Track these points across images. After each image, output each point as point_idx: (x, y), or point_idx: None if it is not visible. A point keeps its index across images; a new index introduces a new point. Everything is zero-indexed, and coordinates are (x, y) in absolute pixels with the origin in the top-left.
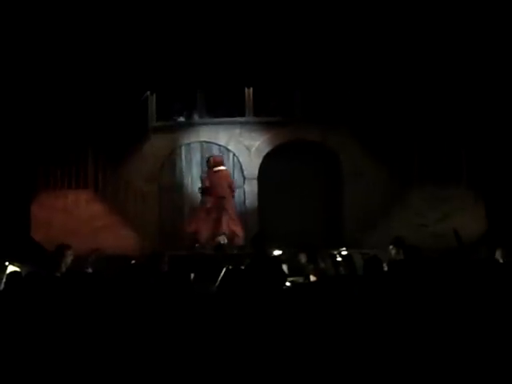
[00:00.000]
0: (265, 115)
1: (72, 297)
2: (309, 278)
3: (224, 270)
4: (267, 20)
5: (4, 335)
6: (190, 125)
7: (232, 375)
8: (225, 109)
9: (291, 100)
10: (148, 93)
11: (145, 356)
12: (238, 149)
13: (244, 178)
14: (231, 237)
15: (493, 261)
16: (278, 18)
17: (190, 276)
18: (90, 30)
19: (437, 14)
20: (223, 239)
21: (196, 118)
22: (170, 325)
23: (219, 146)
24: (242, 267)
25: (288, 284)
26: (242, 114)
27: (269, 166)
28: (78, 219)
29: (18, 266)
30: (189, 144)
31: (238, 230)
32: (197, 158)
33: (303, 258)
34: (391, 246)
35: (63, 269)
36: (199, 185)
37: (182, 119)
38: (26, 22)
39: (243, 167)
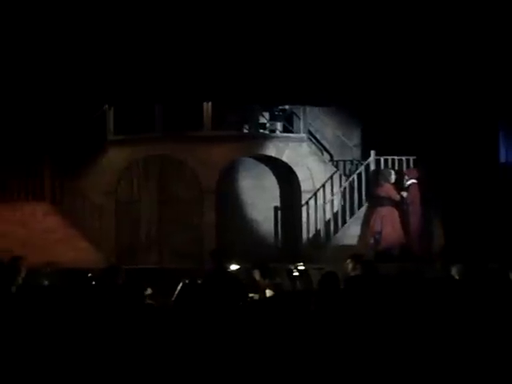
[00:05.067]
0: (223, 129)
1: (29, 311)
2: (265, 294)
3: (181, 284)
4: (221, 34)
5: None
6: (147, 138)
7: None
8: (183, 123)
9: (247, 114)
10: (106, 106)
11: (99, 369)
12: (195, 162)
13: (202, 192)
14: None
15: (449, 278)
16: (230, 33)
17: (144, 289)
18: (49, 40)
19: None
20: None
21: (155, 131)
22: (124, 338)
23: (177, 159)
24: (199, 281)
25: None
26: (200, 128)
27: (227, 181)
28: (35, 231)
29: None
30: (146, 158)
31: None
32: (154, 171)
33: (257, 275)
34: (348, 261)
35: (19, 281)
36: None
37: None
38: None
39: (201, 181)
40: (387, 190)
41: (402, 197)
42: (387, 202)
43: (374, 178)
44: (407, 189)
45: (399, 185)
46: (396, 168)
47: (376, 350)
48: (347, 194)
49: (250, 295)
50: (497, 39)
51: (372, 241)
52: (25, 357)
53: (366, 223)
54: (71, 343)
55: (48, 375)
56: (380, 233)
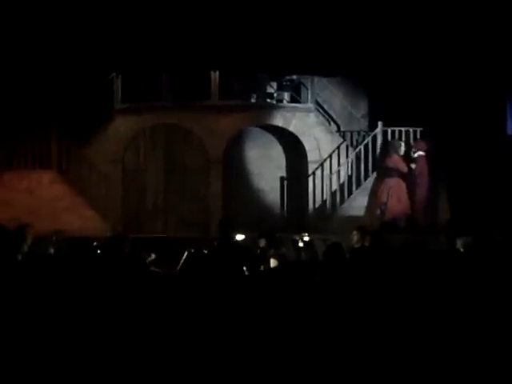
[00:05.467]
0: (231, 99)
1: (35, 280)
2: (269, 263)
3: (186, 253)
4: (229, 2)
5: None
6: (154, 107)
7: (189, 356)
8: (190, 92)
9: (255, 84)
10: (113, 74)
11: (105, 338)
12: (202, 131)
13: (209, 162)
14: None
15: (454, 251)
16: (237, 1)
17: (148, 256)
18: (57, 7)
19: None
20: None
21: (162, 100)
22: (129, 306)
23: (185, 128)
24: (205, 251)
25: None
26: (208, 98)
27: (233, 150)
28: (41, 199)
29: None
30: (153, 126)
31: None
32: (161, 140)
33: (263, 243)
34: (354, 232)
35: (25, 249)
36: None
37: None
38: None
39: (208, 150)
40: (396, 161)
41: (410, 168)
42: (395, 173)
43: (384, 149)
44: (415, 160)
45: (408, 156)
46: (403, 139)
47: (380, 321)
48: (354, 165)
49: None
50: (507, 10)
51: (378, 212)
52: (29, 324)
53: (373, 194)
54: (76, 311)
55: (53, 343)
56: (386, 204)
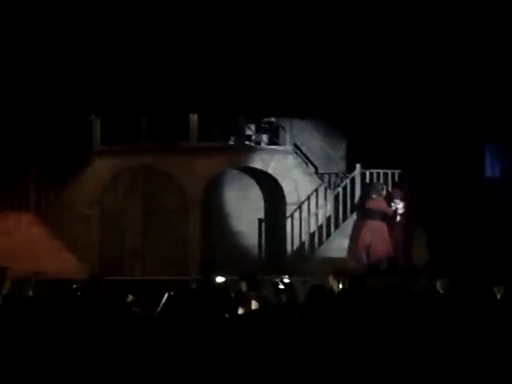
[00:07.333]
0: (209, 141)
1: (14, 323)
2: (250, 306)
3: (166, 295)
4: (207, 46)
5: None
6: (133, 149)
7: None
8: (169, 133)
9: (233, 126)
10: (93, 116)
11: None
12: (181, 173)
13: (187, 203)
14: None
15: (434, 293)
16: (216, 45)
17: (127, 300)
18: (35, 49)
19: None
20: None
21: (141, 142)
22: (111, 349)
23: (163, 170)
24: (184, 293)
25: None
26: (186, 139)
27: (212, 192)
28: (19, 242)
29: None
30: (132, 168)
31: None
32: (140, 182)
33: (244, 286)
34: (331, 277)
35: (4, 292)
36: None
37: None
38: None
39: (186, 192)
40: (378, 203)
41: (393, 210)
42: (377, 215)
43: (365, 192)
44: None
45: (390, 198)
46: (382, 181)
47: (359, 364)
48: (332, 207)
49: None
50: (484, 56)
51: (364, 255)
52: (9, 366)
53: (354, 236)
54: (57, 353)
55: None
56: (370, 246)
